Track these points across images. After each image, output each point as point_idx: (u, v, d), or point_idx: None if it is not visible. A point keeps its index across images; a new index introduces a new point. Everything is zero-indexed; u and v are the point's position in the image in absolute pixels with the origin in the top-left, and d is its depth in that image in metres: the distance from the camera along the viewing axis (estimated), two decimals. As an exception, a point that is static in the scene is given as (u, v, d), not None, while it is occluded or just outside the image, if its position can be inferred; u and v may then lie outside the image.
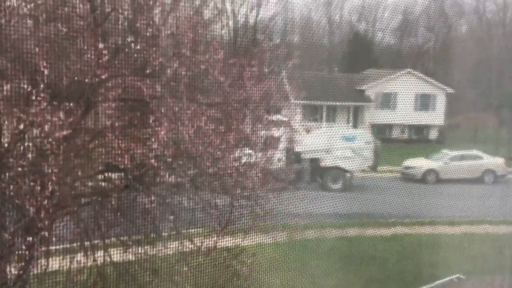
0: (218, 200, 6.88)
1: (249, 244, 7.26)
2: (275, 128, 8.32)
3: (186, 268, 6.31)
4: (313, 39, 12.35)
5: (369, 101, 17.98)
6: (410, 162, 16.81)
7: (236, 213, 6.83)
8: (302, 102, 12.33)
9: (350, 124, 18.28)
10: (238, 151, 7.23)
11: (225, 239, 6.75)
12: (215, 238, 6.62)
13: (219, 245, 6.67)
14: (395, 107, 16.10)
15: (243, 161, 7.29)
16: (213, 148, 6.69)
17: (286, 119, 9.09)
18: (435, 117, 19.28)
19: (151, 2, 6.46)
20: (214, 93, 7.03)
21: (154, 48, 6.39)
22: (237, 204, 6.92)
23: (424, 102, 19.16)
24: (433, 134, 19.61)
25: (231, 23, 9.98)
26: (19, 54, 5.72)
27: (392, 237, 12.33)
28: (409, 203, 12.72)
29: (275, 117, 8.51)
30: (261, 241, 7.42)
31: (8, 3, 6.02)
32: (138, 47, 6.55)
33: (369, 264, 10.88)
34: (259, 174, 7.32)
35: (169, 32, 6.40)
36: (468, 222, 13.79)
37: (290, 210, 8.36)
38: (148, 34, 6.42)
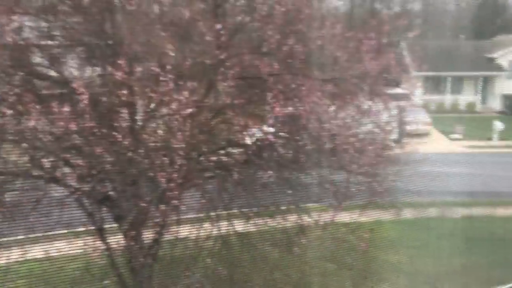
0: (336, 176, 6.90)
1: (366, 220, 7.21)
2: (394, 102, 8.05)
3: (304, 241, 6.48)
4: (436, 6, 11.62)
5: (501, 70, 16.49)
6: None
7: (354, 189, 6.81)
8: (424, 73, 11.72)
9: (479, 96, 17.00)
10: (355, 127, 7.14)
11: (342, 215, 6.79)
12: (333, 213, 6.68)
13: (336, 220, 6.73)
14: (531, 76, 14.61)
15: (360, 136, 7.19)
16: (330, 123, 6.69)
17: (407, 92, 8.74)
18: None
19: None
20: (330, 68, 6.99)
21: (270, 26, 6.51)
22: (355, 180, 6.88)
23: None
24: None
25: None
26: (148, 39, 6.19)
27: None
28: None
29: (395, 91, 8.23)
30: (379, 217, 7.32)
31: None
32: (255, 26, 6.73)
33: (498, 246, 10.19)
34: (378, 150, 7.17)
35: (284, 9, 6.44)
36: None
37: (410, 187, 8.11)
38: (264, 12, 6.54)
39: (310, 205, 7.01)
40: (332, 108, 7.06)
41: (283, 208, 6.90)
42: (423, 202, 9.35)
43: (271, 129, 6.62)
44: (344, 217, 6.92)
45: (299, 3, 6.88)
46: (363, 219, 7.06)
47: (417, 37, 9.87)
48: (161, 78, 5.96)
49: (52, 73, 6.55)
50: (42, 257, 5.99)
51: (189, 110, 6.15)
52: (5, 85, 5.98)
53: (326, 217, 6.71)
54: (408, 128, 10.09)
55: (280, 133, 6.69)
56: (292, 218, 6.81)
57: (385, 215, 7.87)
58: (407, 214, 8.32)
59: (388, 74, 7.48)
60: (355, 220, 6.91)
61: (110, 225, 6.45)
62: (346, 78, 6.83)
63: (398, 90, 8.38)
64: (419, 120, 15.49)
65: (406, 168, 7.49)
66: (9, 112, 5.81)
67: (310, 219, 6.75)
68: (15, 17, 6.28)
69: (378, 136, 7.32)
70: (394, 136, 8.12)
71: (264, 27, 6.49)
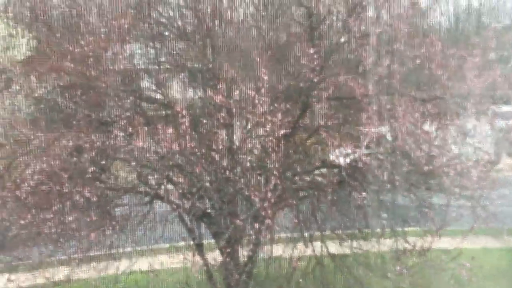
0: (434, 199, 6.61)
1: (470, 247, 6.80)
2: (502, 121, 7.54)
3: (399, 267, 6.26)
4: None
5: None
6: None
7: (454, 214, 6.46)
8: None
9: None
10: (457, 147, 6.79)
11: (442, 240, 6.46)
12: (431, 238, 6.38)
13: (435, 246, 6.42)
14: None
15: (463, 157, 6.82)
16: (429, 144, 6.44)
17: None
18: None
19: (364, 2, 6.51)
20: (430, 87, 6.74)
21: (367, 46, 6.46)
22: (455, 203, 6.53)
23: None
24: None
25: (450, 8, 9.34)
26: (245, 63, 6.45)
27: None
28: None
29: (502, 109, 7.70)
30: (486, 245, 6.86)
31: (234, 17, 6.84)
32: (351, 46, 6.71)
33: None
34: (482, 172, 6.74)
35: (380, 30, 6.36)
36: None
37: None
38: (360, 33, 6.51)
39: (406, 229, 6.77)
40: (432, 128, 6.79)
41: (378, 231, 6.74)
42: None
43: (366, 150, 6.53)
44: (444, 243, 6.58)
45: (398, 22, 6.76)
46: (466, 245, 6.65)
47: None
48: (257, 101, 6.16)
49: (158, 96, 7.04)
50: (147, 269, 6.42)
51: (284, 131, 6.28)
52: (118, 108, 6.54)
53: (424, 242, 6.43)
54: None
55: (376, 154, 6.56)
56: (388, 242, 6.62)
57: (493, 243, 7.35)
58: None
59: (494, 91, 7.04)
60: (456, 247, 6.53)
61: (208, 241, 6.74)
62: (447, 97, 6.55)
63: (506, 108, 7.83)
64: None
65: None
66: (121, 133, 6.34)
67: (406, 244, 6.52)
68: (127, 46, 6.87)
69: (482, 157, 6.89)
70: (500, 156, 7.59)
71: (360, 48, 6.46)
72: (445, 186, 6.44)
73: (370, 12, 6.83)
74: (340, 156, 6.65)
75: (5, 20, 6.96)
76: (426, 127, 6.62)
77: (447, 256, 6.42)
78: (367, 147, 6.43)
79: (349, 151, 6.53)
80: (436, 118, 6.61)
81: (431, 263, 6.40)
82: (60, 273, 6.18)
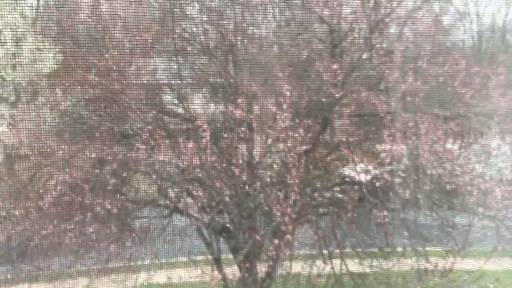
0: (457, 218, 6.50)
1: (494, 269, 6.64)
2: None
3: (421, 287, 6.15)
4: None
5: None
6: None
7: (478, 234, 6.34)
8: None
9: None
10: (481, 166, 6.69)
11: (464, 261, 6.33)
12: (454, 258, 6.26)
13: (457, 267, 6.29)
14: None
15: (487, 177, 6.71)
16: (451, 163, 6.36)
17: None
18: None
19: (387, 20, 6.51)
20: (453, 105, 6.69)
21: (389, 63, 6.45)
22: (478, 224, 6.41)
23: None
24: None
25: (474, 26, 9.27)
26: (266, 78, 6.48)
27: None
28: None
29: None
30: (508, 266, 6.69)
31: (256, 33, 6.90)
32: (373, 63, 6.70)
33: None
34: (507, 192, 6.62)
35: (403, 47, 6.35)
36: None
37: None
38: (383, 50, 6.50)
39: (428, 248, 6.66)
40: (455, 146, 6.71)
41: (399, 250, 6.64)
42: None
43: (388, 168, 6.47)
44: (467, 264, 6.44)
45: (420, 38, 6.74)
46: (489, 267, 6.50)
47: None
48: (278, 116, 6.18)
49: (180, 110, 7.11)
50: (165, 283, 6.42)
51: (305, 147, 6.27)
52: (140, 121, 6.62)
53: (446, 262, 6.30)
54: None
55: (397, 172, 6.50)
56: (409, 262, 6.51)
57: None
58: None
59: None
60: (479, 268, 6.39)
61: (226, 255, 6.72)
62: (471, 116, 6.48)
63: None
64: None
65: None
66: (143, 146, 6.41)
67: (428, 264, 6.40)
68: (150, 60, 6.97)
69: (507, 177, 6.77)
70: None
71: (382, 65, 6.44)
72: (468, 206, 6.34)
73: (393, 29, 6.83)
74: (361, 172, 6.60)
75: (33, 34, 7.15)
76: (449, 145, 6.55)
77: (470, 277, 6.29)
78: (389, 164, 6.38)
79: (370, 168, 6.48)
80: (459, 136, 6.53)
81: (453, 284, 6.27)
82: (80, 284, 6.22)
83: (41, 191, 5.99)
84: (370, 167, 6.50)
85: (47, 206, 5.93)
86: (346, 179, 6.95)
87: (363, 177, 6.61)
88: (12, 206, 6.17)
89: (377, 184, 6.47)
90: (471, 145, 6.54)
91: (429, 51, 6.63)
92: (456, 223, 6.45)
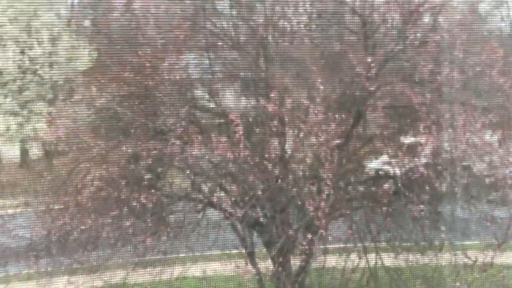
0: (497, 212, 6.33)
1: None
2: None
3: (459, 284, 6.01)
4: None
5: None
6: None
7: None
8: None
9: None
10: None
11: (504, 255, 6.16)
12: (493, 253, 6.10)
13: (497, 261, 6.13)
14: None
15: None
16: (490, 155, 6.19)
17: None
18: None
19: (421, 9, 6.37)
20: (492, 95, 6.50)
21: (424, 54, 6.31)
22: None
23: None
24: None
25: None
26: (298, 72, 6.45)
27: None
28: None
29: None
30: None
31: (286, 26, 6.87)
32: (408, 54, 6.57)
33: None
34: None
35: (439, 37, 6.20)
36: None
37: None
38: (417, 40, 6.37)
39: (466, 243, 6.51)
40: (494, 138, 6.53)
41: (436, 244, 6.51)
42: None
43: (423, 160, 6.35)
44: (507, 258, 6.27)
45: (456, 28, 6.56)
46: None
47: None
48: (310, 109, 6.14)
49: (212, 105, 7.15)
50: (200, 276, 6.49)
51: (338, 140, 6.21)
52: (173, 117, 6.69)
53: (485, 257, 6.15)
54: None
55: (433, 165, 6.37)
56: (446, 256, 6.38)
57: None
58: None
59: None
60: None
61: (260, 249, 6.73)
62: (510, 106, 6.29)
63: None
64: None
65: None
66: (176, 141, 6.48)
67: (466, 259, 6.25)
68: (182, 56, 7.03)
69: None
70: None
71: (417, 56, 6.31)
72: (508, 199, 6.16)
73: (427, 19, 6.68)
74: (395, 166, 6.49)
75: (68, 32, 7.31)
76: (487, 137, 6.38)
77: (509, 271, 6.12)
78: (424, 157, 6.26)
79: (406, 161, 6.37)
80: (498, 128, 6.34)
81: (492, 279, 6.12)
82: (117, 276, 6.35)
83: (79, 186, 6.13)
84: (406, 160, 6.38)
85: (85, 201, 6.07)
86: (380, 173, 6.85)
87: (397, 170, 6.51)
88: (51, 201, 6.35)
89: (413, 177, 6.36)
90: (511, 137, 6.35)
91: (465, 40, 6.44)
92: (495, 217, 6.27)
